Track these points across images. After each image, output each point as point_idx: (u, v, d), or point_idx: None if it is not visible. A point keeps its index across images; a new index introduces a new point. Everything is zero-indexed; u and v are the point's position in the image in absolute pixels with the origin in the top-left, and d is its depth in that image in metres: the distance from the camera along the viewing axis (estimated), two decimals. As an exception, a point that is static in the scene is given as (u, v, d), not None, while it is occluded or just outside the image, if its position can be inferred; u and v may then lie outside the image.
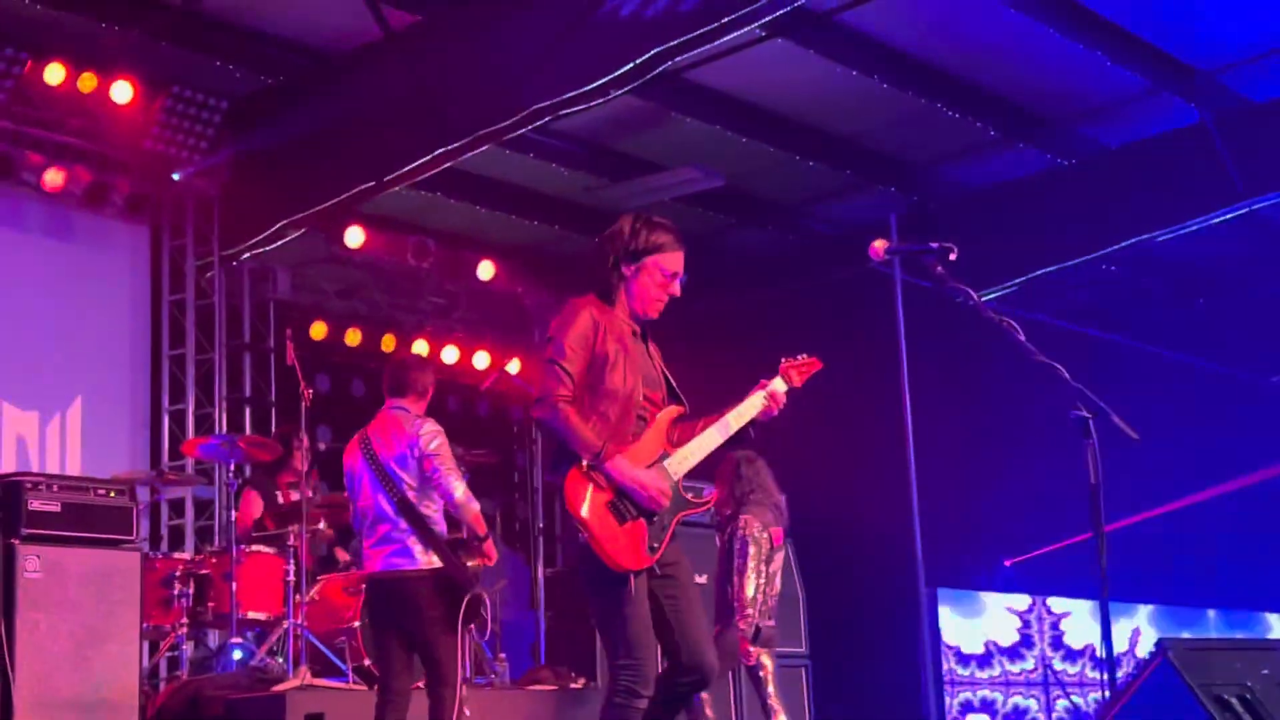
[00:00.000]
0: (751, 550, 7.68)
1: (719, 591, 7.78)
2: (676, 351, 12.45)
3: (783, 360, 5.24)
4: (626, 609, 4.73)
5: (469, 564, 6.50)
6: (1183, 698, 4.25)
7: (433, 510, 6.45)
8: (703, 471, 5.18)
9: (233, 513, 8.43)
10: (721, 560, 7.82)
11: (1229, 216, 10.89)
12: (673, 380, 5.18)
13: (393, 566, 6.36)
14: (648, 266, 5.04)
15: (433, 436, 6.46)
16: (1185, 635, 13.24)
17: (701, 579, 10.18)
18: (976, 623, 12.28)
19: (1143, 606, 13.53)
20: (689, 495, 4.94)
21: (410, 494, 6.39)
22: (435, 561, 6.33)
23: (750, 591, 7.62)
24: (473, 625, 6.48)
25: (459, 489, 6.41)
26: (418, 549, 6.34)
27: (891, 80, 9.84)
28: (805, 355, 5.27)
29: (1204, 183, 10.56)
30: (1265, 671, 4.59)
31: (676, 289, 5.10)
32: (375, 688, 6.55)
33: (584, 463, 4.75)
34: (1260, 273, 13.40)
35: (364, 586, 6.56)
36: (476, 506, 6.49)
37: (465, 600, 6.29)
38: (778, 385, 5.15)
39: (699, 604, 4.93)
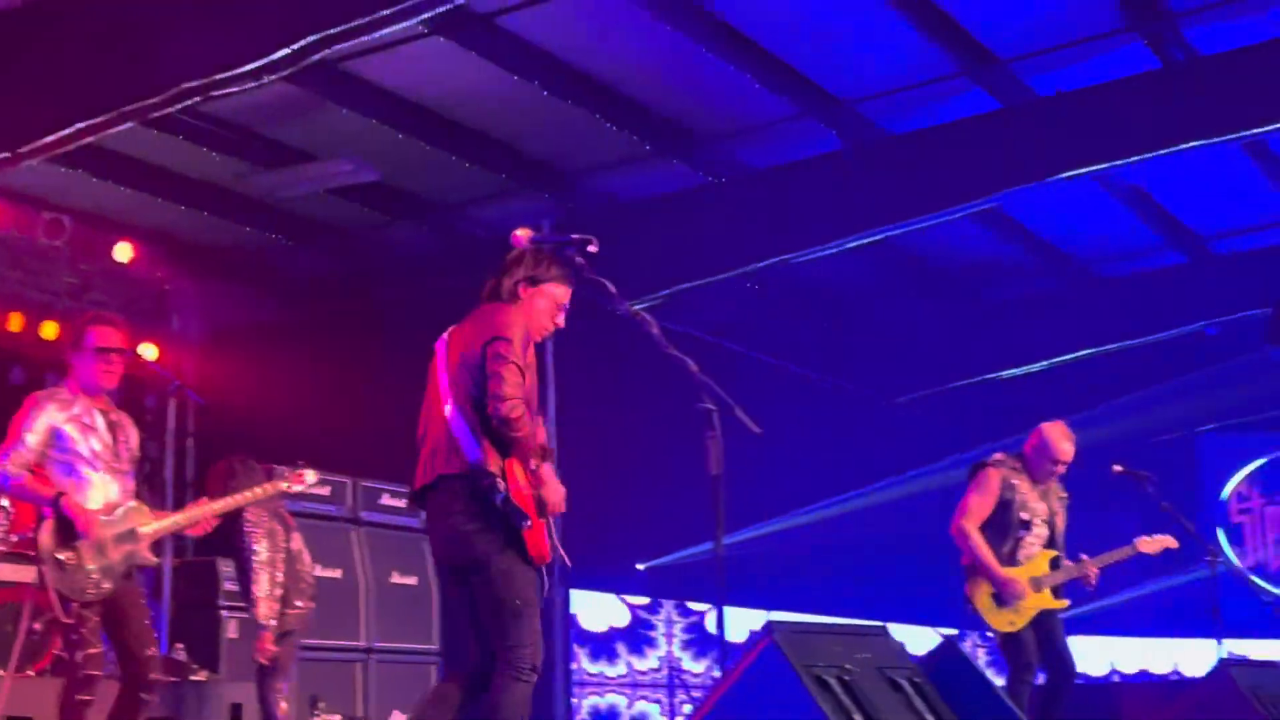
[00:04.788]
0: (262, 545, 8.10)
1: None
2: (329, 348, 12.30)
3: None
4: (536, 598, 5.22)
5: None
6: (786, 677, 4.44)
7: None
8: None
9: None
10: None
11: (863, 242, 11.42)
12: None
13: None
14: (545, 292, 5.50)
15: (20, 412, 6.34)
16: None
17: (411, 580, 10.26)
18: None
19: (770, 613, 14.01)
20: None
21: None
22: None
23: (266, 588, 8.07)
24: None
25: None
26: None
27: (550, 87, 9.93)
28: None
29: (841, 208, 11.02)
30: (864, 655, 4.84)
31: (562, 320, 5.58)
32: None
33: (532, 462, 5.25)
34: (890, 298, 14.10)
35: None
36: (19, 490, 6.29)
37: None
38: None
39: None
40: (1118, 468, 8.65)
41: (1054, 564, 8.09)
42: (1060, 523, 8.20)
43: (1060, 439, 8.14)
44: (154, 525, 6.48)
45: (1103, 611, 16.34)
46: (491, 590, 5.17)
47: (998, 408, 14.99)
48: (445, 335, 5.56)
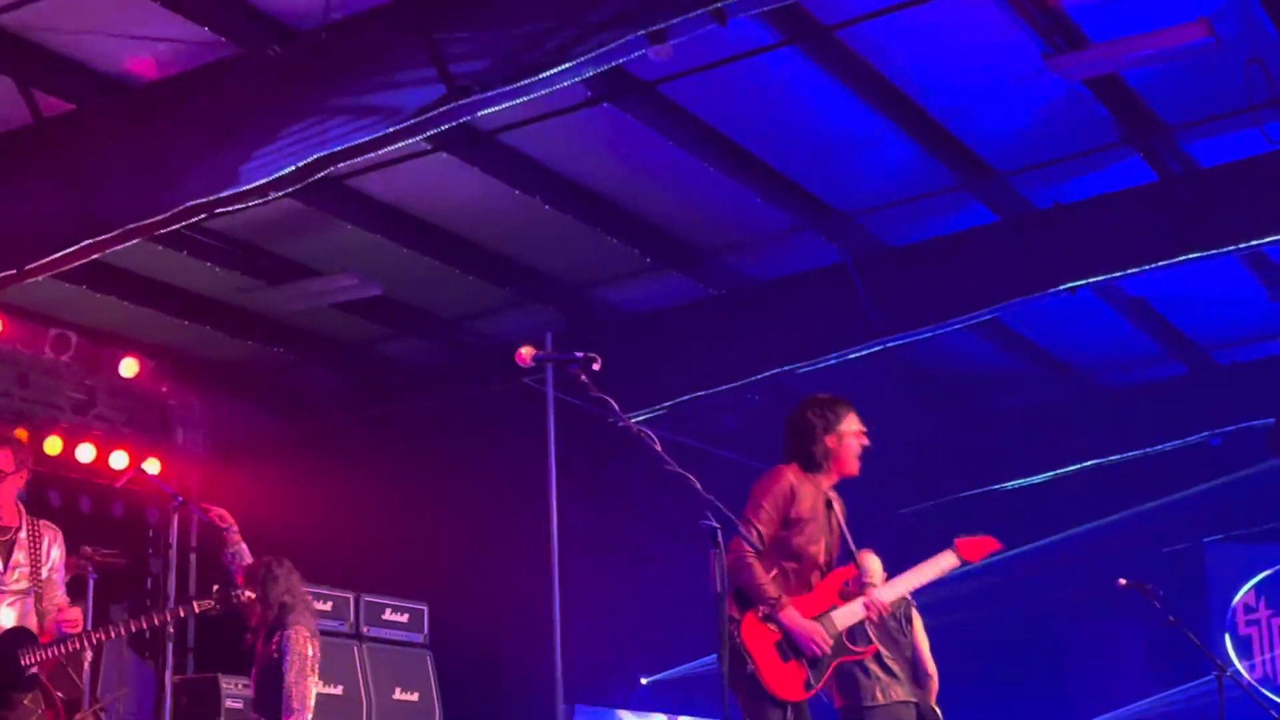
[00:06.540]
0: (300, 663, 8.01)
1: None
2: (332, 463, 12.24)
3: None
4: None
5: None
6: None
7: None
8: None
9: None
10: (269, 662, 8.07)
11: (864, 353, 11.44)
12: (850, 541, 6.58)
13: None
14: (844, 434, 6.51)
15: None
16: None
17: (413, 696, 10.16)
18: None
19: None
20: (850, 643, 6.26)
21: None
22: None
23: (313, 692, 8.00)
24: None
25: None
26: None
27: (552, 201, 10.00)
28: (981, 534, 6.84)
29: (841, 319, 11.05)
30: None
31: (865, 439, 6.57)
32: None
33: (760, 610, 5.98)
34: (892, 408, 14.06)
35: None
36: None
37: None
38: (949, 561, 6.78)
39: None
40: (1123, 581, 8.63)
41: None
42: None
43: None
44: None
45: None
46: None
47: (1001, 519, 14.89)
48: None
